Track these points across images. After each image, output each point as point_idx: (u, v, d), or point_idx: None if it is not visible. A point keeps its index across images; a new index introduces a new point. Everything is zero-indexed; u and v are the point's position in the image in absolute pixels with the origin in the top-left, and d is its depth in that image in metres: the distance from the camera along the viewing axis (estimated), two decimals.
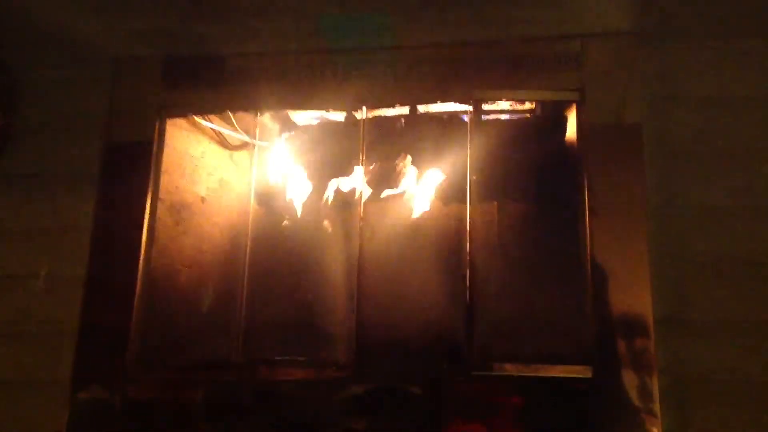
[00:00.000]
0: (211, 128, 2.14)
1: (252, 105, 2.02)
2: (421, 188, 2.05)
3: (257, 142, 2.09)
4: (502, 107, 2.00)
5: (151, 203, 1.94)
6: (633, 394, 1.65)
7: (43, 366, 1.88)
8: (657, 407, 1.65)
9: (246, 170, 2.17)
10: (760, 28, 1.84)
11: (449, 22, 1.86)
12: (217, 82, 1.99)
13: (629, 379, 1.66)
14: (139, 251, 1.91)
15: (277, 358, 1.87)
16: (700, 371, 1.69)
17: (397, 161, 2.07)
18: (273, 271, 2.02)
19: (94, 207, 1.95)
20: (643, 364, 1.67)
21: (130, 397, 1.81)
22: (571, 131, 1.91)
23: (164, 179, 1.99)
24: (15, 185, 2.00)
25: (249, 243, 1.99)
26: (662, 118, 1.83)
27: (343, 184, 2.09)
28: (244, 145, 2.20)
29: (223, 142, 2.18)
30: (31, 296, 1.92)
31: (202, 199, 2.10)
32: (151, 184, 1.95)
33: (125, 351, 1.84)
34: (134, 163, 1.97)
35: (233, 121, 2.14)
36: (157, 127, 1.98)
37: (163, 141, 1.98)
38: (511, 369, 1.75)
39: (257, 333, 1.92)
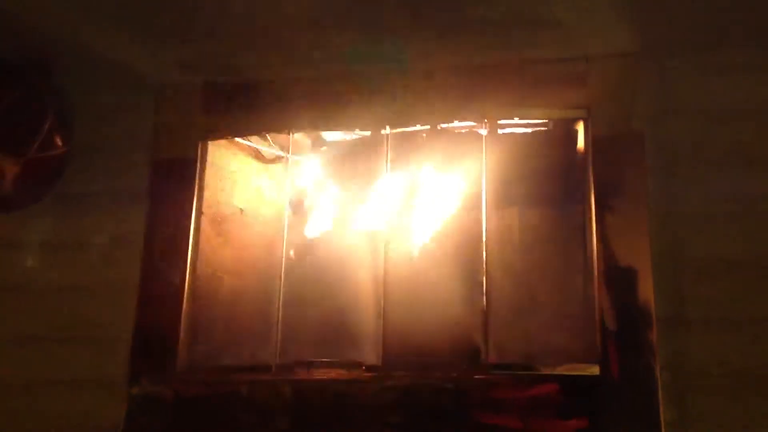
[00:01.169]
0: (247, 144, 2.30)
1: (285, 126, 2.16)
2: (442, 198, 2.18)
3: (290, 156, 2.24)
4: (518, 121, 2.10)
5: (196, 217, 2.12)
6: (637, 389, 1.77)
7: (102, 366, 2.05)
8: (659, 400, 1.76)
9: (281, 182, 2.31)
10: (753, 42, 1.94)
11: (464, 47, 1.99)
12: (253, 106, 2.15)
13: (633, 375, 1.78)
14: (186, 261, 2.08)
15: (311, 359, 2.01)
16: (699, 366, 1.80)
17: (419, 173, 2.22)
18: (307, 278, 2.17)
19: (145, 221, 2.12)
20: (646, 360, 1.79)
21: (180, 395, 1.98)
22: (581, 142, 2.04)
23: (206, 194, 2.15)
24: (72, 203, 2.17)
25: (285, 252, 2.15)
26: (663, 129, 1.94)
27: (370, 194, 2.23)
28: (278, 159, 2.35)
29: (258, 156, 2.34)
30: (90, 303, 2.09)
31: (241, 211, 2.26)
32: (195, 200, 2.12)
33: (175, 353, 2.01)
34: (179, 180, 2.14)
35: (268, 137, 2.29)
36: (199, 148, 2.15)
37: (206, 161, 2.15)
38: (525, 367, 1.89)
39: (293, 337, 2.07)
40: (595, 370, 1.82)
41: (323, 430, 1.90)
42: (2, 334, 2.12)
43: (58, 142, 2.05)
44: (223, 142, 2.22)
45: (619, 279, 1.86)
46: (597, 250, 1.88)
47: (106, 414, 2.01)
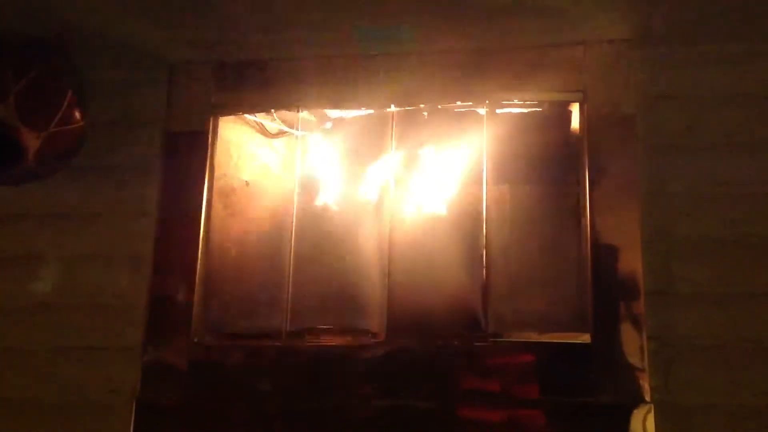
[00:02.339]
0: (253, 119, 2.37)
1: (292, 104, 2.25)
2: (444, 174, 2.28)
3: (297, 132, 2.33)
4: (516, 102, 2.19)
5: (208, 189, 2.19)
6: (625, 356, 1.90)
7: (119, 333, 2.13)
8: (646, 367, 1.89)
9: (286, 156, 2.40)
10: (738, 34, 2.04)
11: (467, 32, 2.07)
12: (263, 84, 2.23)
13: (622, 344, 1.91)
14: (199, 231, 2.16)
15: (320, 326, 2.14)
16: (684, 336, 1.93)
17: (422, 150, 2.31)
18: (316, 250, 2.26)
19: (159, 192, 2.20)
20: (635, 330, 1.91)
21: (194, 360, 2.07)
22: (575, 122, 2.14)
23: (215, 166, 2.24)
24: (88, 176, 2.23)
25: (294, 224, 2.23)
26: (654, 113, 2.05)
27: (376, 170, 2.32)
28: (281, 133, 2.42)
29: (262, 130, 2.41)
30: (107, 272, 2.17)
31: (247, 183, 2.34)
32: (207, 172, 2.20)
33: (189, 320, 2.09)
34: (191, 153, 2.22)
35: (273, 113, 2.37)
36: (210, 123, 2.23)
37: (216, 136, 2.23)
38: (521, 335, 2.01)
39: (302, 305, 2.17)
40: (586, 338, 1.94)
41: (331, 392, 2.00)
42: (22, 301, 2.20)
43: (77, 116, 2.10)
44: (230, 116, 2.30)
45: (610, 254, 1.97)
46: (590, 227, 1.99)
47: (123, 379, 2.09)
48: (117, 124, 2.28)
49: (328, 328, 2.12)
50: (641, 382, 1.89)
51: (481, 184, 2.14)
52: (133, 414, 2.05)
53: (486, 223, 2.11)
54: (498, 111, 2.21)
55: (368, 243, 2.24)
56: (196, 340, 2.09)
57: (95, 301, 2.17)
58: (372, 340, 2.06)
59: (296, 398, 2.02)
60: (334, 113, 2.37)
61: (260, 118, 2.37)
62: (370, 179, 2.33)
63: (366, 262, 2.22)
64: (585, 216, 2.02)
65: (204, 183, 2.20)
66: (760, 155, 2.00)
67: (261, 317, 2.19)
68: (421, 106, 2.21)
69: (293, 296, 2.16)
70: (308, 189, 2.35)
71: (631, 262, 1.96)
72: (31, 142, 2.00)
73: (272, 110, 2.31)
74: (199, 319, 2.12)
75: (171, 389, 2.07)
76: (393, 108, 2.21)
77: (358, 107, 2.27)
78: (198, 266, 2.14)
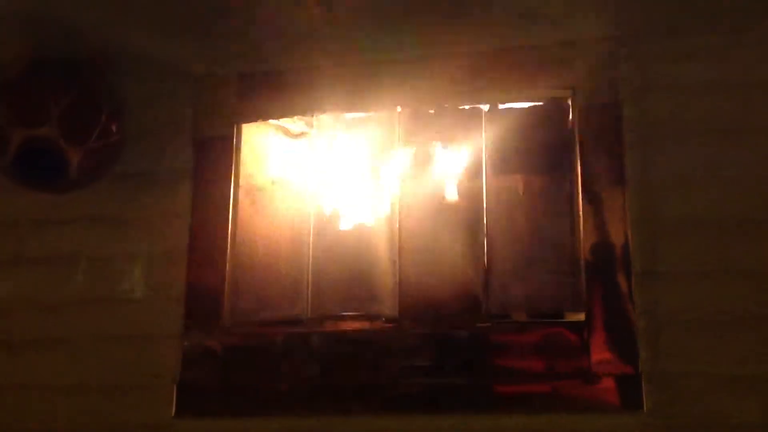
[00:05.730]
0: (275, 122, 2.55)
1: (309, 110, 2.44)
2: (448, 168, 2.44)
3: (315, 132, 2.51)
4: (512, 99, 2.36)
5: (234, 189, 2.39)
6: (616, 332, 2.05)
7: (158, 323, 2.32)
8: (636, 341, 2.04)
9: (306, 156, 2.55)
10: (716, 28, 2.18)
11: (466, 37, 2.25)
12: (281, 92, 2.42)
13: (614, 320, 2.06)
14: (227, 228, 2.35)
15: (338, 313, 2.31)
16: (670, 312, 2.06)
17: (427, 146, 2.47)
18: (332, 242, 2.43)
19: (190, 195, 2.39)
20: (625, 307, 2.06)
21: (227, 346, 2.26)
22: (569, 116, 2.28)
23: (241, 168, 2.43)
24: (126, 182, 2.43)
25: (313, 219, 2.41)
26: (640, 104, 2.18)
27: (385, 165, 2.48)
28: (303, 134, 2.58)
29: (285, 132, 2.58)
30: (146, 268, 2.37)
31: (272, 182, 2.52)
32: (233, 174, 2.40)
33: (221, 309, 2.29)
34: (219, 158, 2.41)
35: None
36: (234, 129, 2.43)
37: (241, 141, 2.43)
38: (521, 316, 2.19)
39: (321, 294, 2.35)
40: (581, 317, 2.09)
41: (349, 374, 2.19)
42: (71, 295, 2.41)
43: (113, 129, 2.30)
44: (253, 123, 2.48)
45: (601, 237, 2.12)
46: (582, 212, 2.14)
47: (164, 364, 2.29)
48: (149, 133, 2.47)
49: (346, 314, 2.30)
50: (631, 354, 2.04)
51: (482, 176, 2.31)
52: (175, 396, 2.25)
53: (487, 212, 2.27)
54: (499, 106, 2.36)
55: (380, 235, 2.40)
56: (228, 327, 2.30)
57: (136, 295, 2.37)
58: (386, 325, 2.24)
59: (322, 377, 2.21)
60: (347, 115, 2.52)
61: (282, 121, 2.55)
62: (381, 174, 2.49)
63: (378, 252, 2.38)
64: (577, 204, 2.17)
65: (231, 184, 2.39)
66: (738, 141, 2.13)
67: (285, 306, 2.37)
68: (426, 105, 2.39)
69: (313, 286, 2.35)
70: (326, 185, 2.51)
71: (621, 244, 2.11)
72: (74, 156, 2.21)
73: (291, 116, 2.49)
74: (230, 309, 2.31)
75: (208, 373, 2.26)
76: (399, 109, 2.39)
77: (367, 111, 2.45)
78: (228, 261, 2.33)
